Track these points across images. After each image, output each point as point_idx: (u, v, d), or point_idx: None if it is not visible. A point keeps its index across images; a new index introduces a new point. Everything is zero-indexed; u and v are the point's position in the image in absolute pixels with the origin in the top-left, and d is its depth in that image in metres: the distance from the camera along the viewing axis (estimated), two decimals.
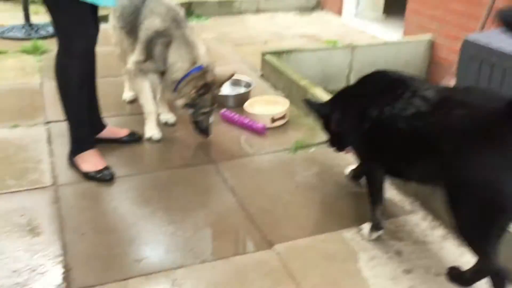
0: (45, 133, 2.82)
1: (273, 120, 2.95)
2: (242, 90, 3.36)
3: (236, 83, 3.44)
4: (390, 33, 4.57)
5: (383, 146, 1.89)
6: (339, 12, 5.16)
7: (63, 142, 2.58)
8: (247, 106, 3.07)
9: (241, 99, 3.18)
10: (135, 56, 2.65)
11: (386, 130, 1.83)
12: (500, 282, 1.64)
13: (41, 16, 4.93)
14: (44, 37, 4.40)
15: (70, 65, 2.28)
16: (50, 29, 4.43)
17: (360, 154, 2.09)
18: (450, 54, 3.57)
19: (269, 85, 3.50)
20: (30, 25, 4.63)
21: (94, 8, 2.27)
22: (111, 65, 3.65)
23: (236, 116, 2.99)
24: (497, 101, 1.58)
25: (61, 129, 2.66)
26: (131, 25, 2.65)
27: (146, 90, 2.75)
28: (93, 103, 2.58)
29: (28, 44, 4.12)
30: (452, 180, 1.64)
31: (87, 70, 2.40)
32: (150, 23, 2.56)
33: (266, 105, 3.12)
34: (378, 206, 2.02)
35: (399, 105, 1.78)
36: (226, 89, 3.40)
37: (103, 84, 2.72)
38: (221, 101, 3.21)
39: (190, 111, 2.64)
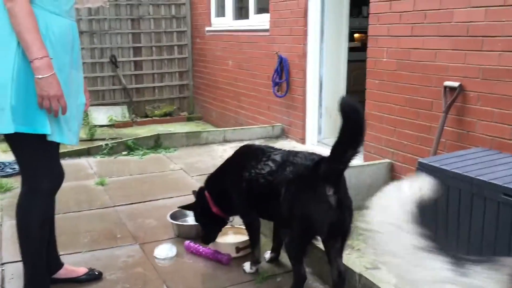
0: None
1: (238, 250, 2.90)
2: None
3: None
4: None
5: (254, 196, 2.50)
6: (302, 139, 5.38)
7: (18, 285, 2.45)
8: None
9: None
10: None
11: (254, 185, 2.47)
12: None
13: (9, 154, 4.98)
14: (10, 175, 4.40)
15: (34, 205, 2.23)
16: (16, 167, 4.45)
17: (240, 209, 2.68)
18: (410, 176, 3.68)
19: None
20: None
21: (58, 145, 2.28)
22: (68, 200, 3.62)
23: (200, 247, 2.93)
24: (311, 161, 2.29)
25: (17, 271, 2.53)
26: None
27: None
28: (50, 241, 2.49)
29: None
30: (285, 212, 2.29)
31: (51, 210, 2.35)
32: None
33: (231, 234, 3.09)
34: (257, 246, 2.70)
35: (259, 166, 2.46)
36: (191, 219, 3.38)
37: (60, 220, 2.67)
38: (186, 231, 3.18)
39: None
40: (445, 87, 3.31)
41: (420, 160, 2.78)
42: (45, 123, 2.07)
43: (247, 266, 2.73)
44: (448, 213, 2.58)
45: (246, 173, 2.50)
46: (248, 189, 2.50)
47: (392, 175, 3.91)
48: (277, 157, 2.44)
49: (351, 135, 2.07)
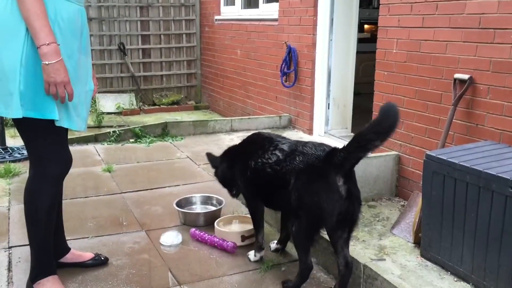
0: (6, 259, 2.71)
1: (244, 238, 2.91)
2: (213, 208, 3.35)
3: (207, 200, 3.44)
4: None
5: (259, 185, 2.57)
6: (310, 130, 5.36)
7: (25, 268, 2.47)
8: (217, 224, 3.04)
9: (212, 217, 3.16)
10: None
11: (259, 174, 2.51)
12: (343, 279, 2.36)
13: (17, 140, 5.02)
14: (18, 160, 4.43)
15: (42, 190, 2.24)
16: (25, 152, 4.48)
17: (245, 194, 2.76)
18: (417, 169, 3.67)
19: (240, 203, 3.50)
20: (5, 148, 4.67)
21: (66, 131, 2.29)
22: (75, 186, 3.64)
23: (206, 235, 2.94)
24: (322, 151, 2.33)
25: (24, 255, 2.56)
26: None
27: None
28: (57, 226, 2.51)
29: (0, 168, 4.11)
30: (296, 204, 2.31)
31: (58, 195, 2.36)
32: None
33: (237, 223, 3.10)
34: (260, 231, 2.74)
35: (266, 156, 2.49)
36: (197, 207, 3.40)
37: (67, 205, 2.69)
38: (192, 219, 3.19)
39: None
40: (455, 79, 3.28)
41: (428, 152, 2.76)
42: (53, 108, 2.07)
43: (251, 254, 2.77)
44: (455, 206, 2.58)
45: (252, 162, 2.54)
46: (254, 178, 2.55)
47: (399, 167, 3.90)
48: (285, 147, 2.46)
49: (386, 126, 2.10)
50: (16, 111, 2.03)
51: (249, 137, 2.80)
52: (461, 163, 2.52)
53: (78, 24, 2.19)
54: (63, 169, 2.29)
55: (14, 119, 2.11)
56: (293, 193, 2.32)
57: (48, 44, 1.97)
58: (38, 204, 2.25)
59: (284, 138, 2.61)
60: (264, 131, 2.84)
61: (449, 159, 2.60)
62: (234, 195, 2.89)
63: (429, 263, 2.74)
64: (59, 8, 2.07)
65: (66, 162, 2.30)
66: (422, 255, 2.82)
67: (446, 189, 2.62)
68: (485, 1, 3.08)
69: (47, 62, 1.98)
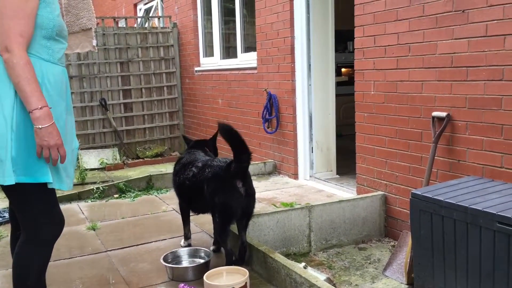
0: None
1: None
2: (201, 260, 3.28)
3: (195, 253, 3.37)
4: (345, 190, 4.72)
5: (185, 193, 3.41)
6: (295, 175, 5.37)
7: None
8: (206, 278, 2.96)
9: (201, 271, 3.08)
10: None
11: (184, 185, 3.36)
12: (240, 254, 3.16)
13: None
14: (0, 223, 4.32)
15: (35, 253, 2.17)
16: (6, 215, 4.38)
17: (176, 193, 3.55)
18: (404, 207, 3.66)
19: None
20: None
21: (55, 191, 2.23)
22: (58, 247, 3.54)
23: None
24: (224, 163, 3.13)
25: None
26: None
27: None
28: None
29: None
30: (211, 204, 3.08)
31: (49, 258, 2.29)
32: None
33: (226, 276, 3.02)
34: (186, 226, 3.60)
35: (186, 172, 3.34)
36: (185, 261, 3.32)
37: (50, 268, 2.61)
38: (180, 274, 3.12)
39: None
40: (433, 117, 3.34)
41: (413, 191, 2.77)
42: (46, 171, 2.05)
43: (181, 242, 3.63)
44: (445, 244, 2.56)
45: (177, 178, 3.44)
46: (180, 190, 3.44)
47: (386, 207, 3.90)
48: (199, 164, 3.29)
49: (238, 145, 2.94)
50: (8, 178, 2.00)
51: (190, 149, 3.72)
52: (446, 200, 2.53)
53: (64, 85, 2.20)
54: (57, 231, 2.24)
55: (4, 185, 2.07)
56: (207, 197, 3.08)
57: (40, 108, 1.96)
58: (30, 269, 2.18)
59: (199, 157, 3.46)
60: (196, 151, 3.65)
61: (434, 197, 2.61)
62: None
63: None
64: (45, 71, 2.08)
65: (59, 223, 2.24)
66: None
67: (434, 227, 2.61)
68: (455, 41, 3.19)
69: (40, 126, 1.96)
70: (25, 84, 1.95)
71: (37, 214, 2.14)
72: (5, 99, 2.00)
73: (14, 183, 2.01)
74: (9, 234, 2.22)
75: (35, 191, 2.08)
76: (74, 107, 6.05)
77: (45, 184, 2.08)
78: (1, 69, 2.00)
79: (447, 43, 3.25)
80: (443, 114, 3.26)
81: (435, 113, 3.34)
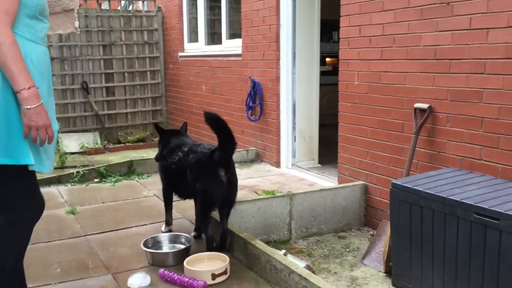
0: None
1: (214, 277, 2.84)
2: (181, 246, 3.28)
3: (175, 239, 3.37)
4: (327, 179, 4.75)
5: (170, 177, 3.41)
6: (277, 163, 5.38)
7: None
8: (187, 263, 2.97)
9: (181, 256, 3.08)
10: None
11: (169, 169, 3.36)
12: (221, 241, 3.17)
13: None
14: None
15: (13, 236, 2.13)
16: None
17: (161, 178, 3.57)
18: (384, 197, 3.71)
19: None
20: None
21: (35, 174, 2.19)
22: (37, 230, 3.50)
23: (175, 275, 2.87)
24: (208, 150, 3.09)
25: None
26: None
27: None
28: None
29: None
30: (193, 190, 3.09)
31: (28, 241, 2.25)
32: None
33: (207, 261, 3.04)
34: (169, 212, 3.60)
35: (172, 156, 3.31)
36: (165, 247, 3.32)
37: (29, 251, 2.57)
38: (160, 259, 3.11)
39: None
40: (415, 108, 3.38)
41: (394, 181, 2.80)
42: (27, 153, 2.01)
43: (163, 227, 3.63)
44: (423, 234, 2.60)
45: (164, 163, 3.43)
46: (166, 174, 3.45)
47: (367, 196, 3.94)
48: (185, 149, 3.26)
49: (224, 134, 2.93)
50: None
51: (174, 133, 3.63)
52: (425, 191, 2.57)
53: (46, 65, 2.15)
54: (37, 214, 2.21)
55: None
56: (190, 183, 3.11)
57: (28, 88, 1.91)
58: (8, 253, 2.14)
59: (186, 142, 3.42)
60: (180, 131, 3.66)
61: (414, 187, 2.64)
62: None
63: None
64: (28, 50, 2.02)
65: (40, 206, 2.22)
66: (393, 284, 2.82)
67: (413, 217, 2.65)
68: (439, 33, 3.21)
69: (28, 107, 1.92)
70: (12, 63, 1.90)
71: (17, 196, 2.11)
72: None
73: None
74: None
75: (15, 173, 2.04)
76: (54, 89, 5.92)
77: (25, 166, 2.04)
78: None
79: (431, 35, 3.27)
80: (425, 105, 3.30)
81: (417, 105, 3.37)
